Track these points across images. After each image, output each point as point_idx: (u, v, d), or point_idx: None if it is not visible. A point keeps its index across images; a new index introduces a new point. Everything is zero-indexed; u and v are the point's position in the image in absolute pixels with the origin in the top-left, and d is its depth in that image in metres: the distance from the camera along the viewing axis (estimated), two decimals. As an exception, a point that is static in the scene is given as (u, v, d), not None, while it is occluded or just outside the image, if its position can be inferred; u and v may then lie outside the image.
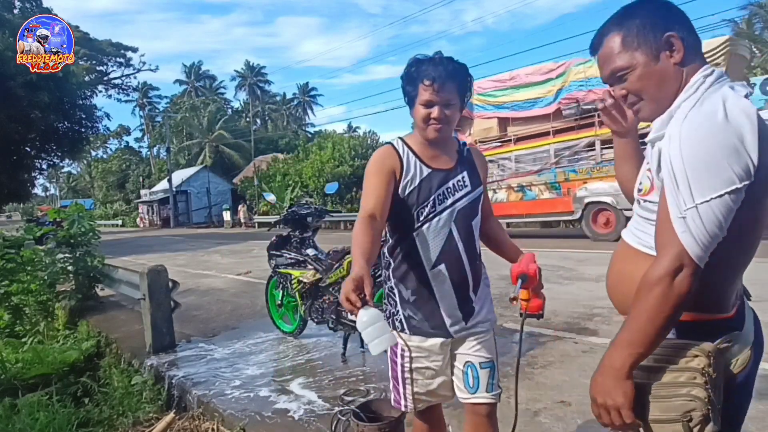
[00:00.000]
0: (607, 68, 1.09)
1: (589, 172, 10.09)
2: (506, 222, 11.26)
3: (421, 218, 1.54)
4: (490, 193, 13.47)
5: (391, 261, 1.62)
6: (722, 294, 1.03)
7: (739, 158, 0.89)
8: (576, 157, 10.31)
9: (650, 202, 1.06)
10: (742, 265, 1.04)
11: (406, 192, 1.53)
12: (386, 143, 1.61)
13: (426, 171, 1.55)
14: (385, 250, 1.64)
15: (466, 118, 12.10)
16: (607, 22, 1.10)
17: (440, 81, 1.46)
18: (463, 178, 1.59)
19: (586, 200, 10.03)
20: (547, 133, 10.81)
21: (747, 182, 0.89)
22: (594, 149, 9.97)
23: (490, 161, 11.40)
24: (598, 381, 1.03)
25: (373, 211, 1.45)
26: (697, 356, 0.97)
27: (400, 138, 1.61)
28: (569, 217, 10.74)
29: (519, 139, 11.39)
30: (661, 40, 1.03)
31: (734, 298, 1.05)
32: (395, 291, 1.62)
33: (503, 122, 11.90)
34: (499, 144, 11.80)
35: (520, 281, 1.53)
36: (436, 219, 1.54)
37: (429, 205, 1.54)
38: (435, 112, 1.48)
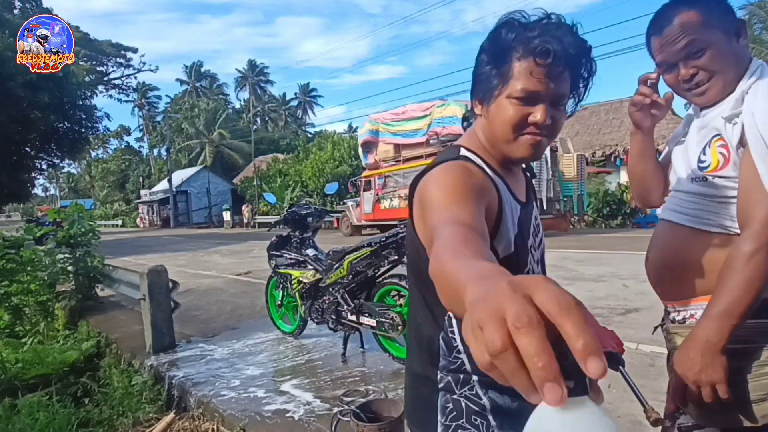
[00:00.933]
0: (681, 43, 1.05)
1: None
2: (399, 223, 13.72)
3: None
4: (387, 202, 14.82)
5: (462, 353, 0.87)
6: None
7: None
8: None
9: (723, 177, 1.05)
10: None
11: (510, 242, 0.93)
12: (454, 158, 0.93)
13: (517, 208, 0.97)
14: (443, 339, 0.90)
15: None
16: (674, 2, 1.08)
17: (561, 62, 0.86)
18: (537, 216, 1.07)
19: None
20: (421, 156, 13.91)
21: None
22: None
23: (387, 177, 15.14)
24: (691, 357, 1.00)
25: (467, 221, 0.75)
26: None
27: (470, 150, 0.95)
28: None
29: (407, 160, 14.71)
30: (735, 24, 1.06)
31: None
32: (475, 402, 0.87)
33: (397, 147, 15.21)
34: (395, 163, 15.16)
35: None
36: None
37: (527, 263, 0.99)
38: (539, 112, 0.88)
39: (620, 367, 0.89)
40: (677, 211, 1.14)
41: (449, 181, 0.85)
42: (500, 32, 0.89)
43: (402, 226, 3.42)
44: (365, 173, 16.45)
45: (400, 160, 14.91)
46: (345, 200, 17.66)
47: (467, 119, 13.04)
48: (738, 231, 1.01)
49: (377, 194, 15.30)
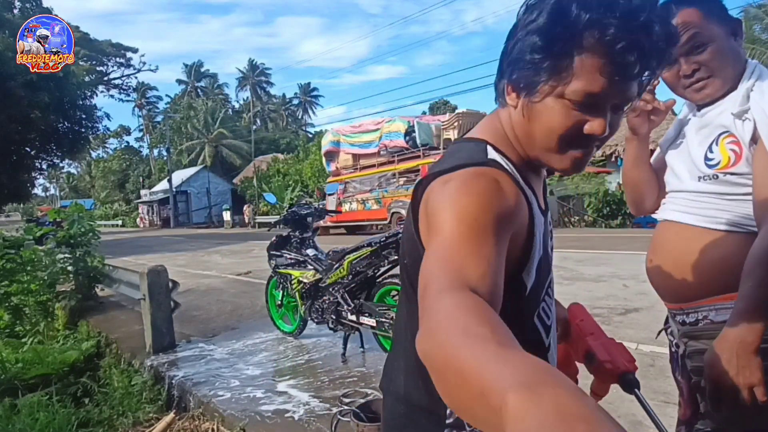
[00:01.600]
0: (683, 38, 1.05)
1: (394, 192, 14.99)
2: (356, 225, 16.35)
3: (533, 304, 0.80)
4: (347, 205, 16.33)
5: None
6: None
7: None
8: (389, 182, 15.42)
9: (736, 174, 1.04)
10: None
11: (536, 267, 0.75)
12: (481, 162, 0.71)
13: (542, 221, 0.80)
14: None
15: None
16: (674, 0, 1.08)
17: (644, 62, 0.66)
18: (550, 221, 0.90)
19: (392, 210, 14.76)
20: (374, 165, 16.14)
21: None
22: (395, 178, 15.15)
23: (347, 183, 16.90)
24: (726, 359, 0.95)
25: (478, 284, 0.57)
26: None
27: (497, 149, 0.75)
28: (384, 222, 15.08)
29: (362, 168, 16.80)
30: (732, 23, 1.09)
31: None
32: None
33: (356, 156, 17.28)
34: (353, 171, 17.20)
35: (586, 361, 0.95)
36: (547, 302, 0.85)
37: (545, 286, 0.83)
38: (598, 124, 0.68)
39: (635, 390, 0.86)
40: (685, 212, 1.11)
41: (472, 208, 0.63)
42: (569, 8, 0.63)
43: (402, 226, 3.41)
44: (329, 179, 18.50)
45: (357, 168, 17.09)
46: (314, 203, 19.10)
47: (409, 134, 15.21)
48: (755, 228, 0.99)
49: (339, 198, 16.90)
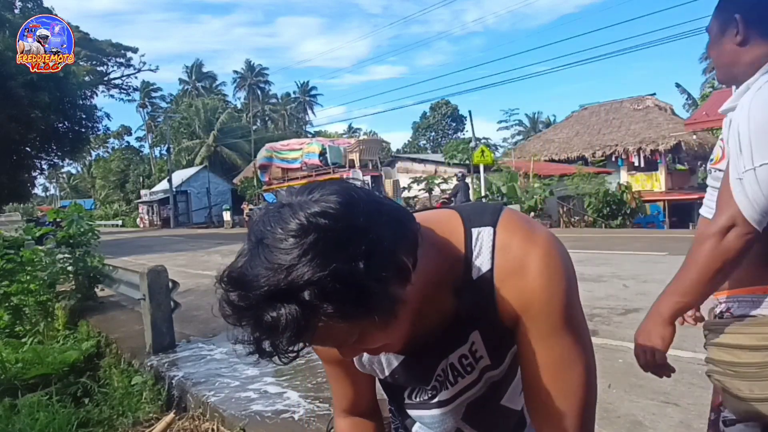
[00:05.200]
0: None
1: None
2: None
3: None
4: None
5: None
6: None
7: None
8: None
9: (719, 170, 1.08)
10: None
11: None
12: None
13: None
14: None
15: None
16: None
17: None
18: None
19: None
20: (297, 178, 19.34)
21: None
22: None
23: (276, 193, 20.07)
24: (642, 325, 1.14)
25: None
26: None
27: None
28: None
29: (289, 180, 20.09)
30: (730, 19, 1.10)
31: None
32: None
33: (285, 170, 20.96)
34: (283, 182, 20.49)
35: None
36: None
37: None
38: None
39: None
40: (705, 205, 1.17)
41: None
42: None
43: None
44: (264, 188, 22.31)
45: (286, 179, 20.61)
46: (251, 207, 22.35)
47: (323, 154, 18.60)
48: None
49: None
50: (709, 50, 1.18)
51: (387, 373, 0.83)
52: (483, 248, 0.69)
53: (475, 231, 0.70)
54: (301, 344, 0.60)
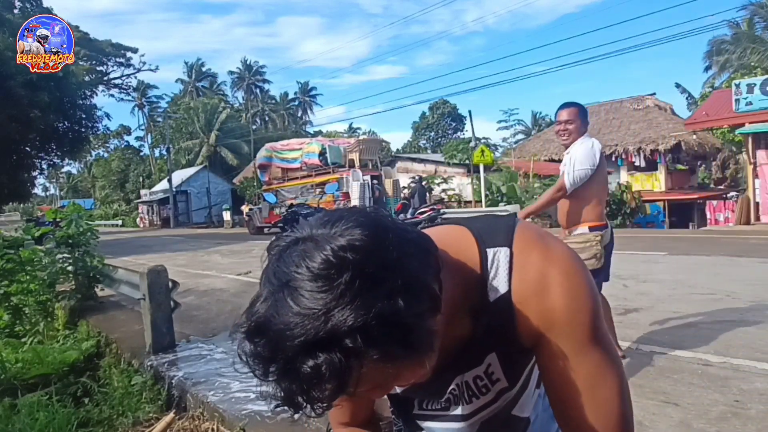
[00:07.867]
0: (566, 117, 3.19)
1: (312, 200, 18.01)
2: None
3: None
4: (277, 210, 19.54)
5: None
6: (602, 215, 3.14)
7: (594, 158, 3.06)
8: (308, 191, 18.81)
9: (564, 167, 3.20)
10: (603, 201, 3.21)
11: None
12: None
13: None
14: None
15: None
16: (571, 103, 3.23)
17: None
18: None
19: None
20: (297, 178, 19.92)
21: (595, 167, 3.06)
22: (312, 189, 18.64)
23: (276, 192, 20.46)
24: None
25: None
26: (598, 237, 3.04)
27: None
28: None
29: (288, 180, 20.45)
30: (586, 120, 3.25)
31: (605, 217, 3.18)
32: None
33: (285, 170, 20.91)
34: (283, 181, 20.65)
35: None
36: None
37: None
38: None
39: None
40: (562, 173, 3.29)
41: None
42: None
43: None
44: (264, 188, 21.87)
45: (285, 179, 20.68)
46: (251, 207, 21.98)
47: (322, 154, 18.45)
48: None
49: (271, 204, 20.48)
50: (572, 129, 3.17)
51: (398, 390, 0.80)
52: (500, 270, 0.68)
53: (490, 252, 0.69)
54: (343, 395, 0.54)
